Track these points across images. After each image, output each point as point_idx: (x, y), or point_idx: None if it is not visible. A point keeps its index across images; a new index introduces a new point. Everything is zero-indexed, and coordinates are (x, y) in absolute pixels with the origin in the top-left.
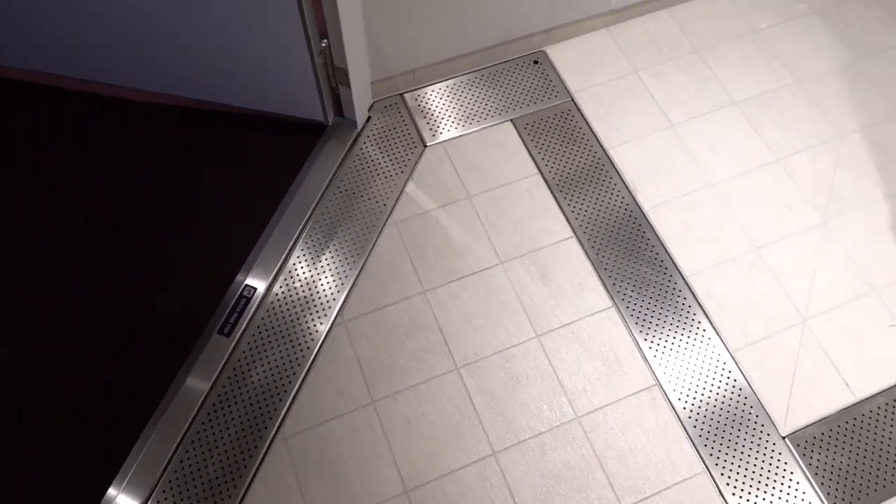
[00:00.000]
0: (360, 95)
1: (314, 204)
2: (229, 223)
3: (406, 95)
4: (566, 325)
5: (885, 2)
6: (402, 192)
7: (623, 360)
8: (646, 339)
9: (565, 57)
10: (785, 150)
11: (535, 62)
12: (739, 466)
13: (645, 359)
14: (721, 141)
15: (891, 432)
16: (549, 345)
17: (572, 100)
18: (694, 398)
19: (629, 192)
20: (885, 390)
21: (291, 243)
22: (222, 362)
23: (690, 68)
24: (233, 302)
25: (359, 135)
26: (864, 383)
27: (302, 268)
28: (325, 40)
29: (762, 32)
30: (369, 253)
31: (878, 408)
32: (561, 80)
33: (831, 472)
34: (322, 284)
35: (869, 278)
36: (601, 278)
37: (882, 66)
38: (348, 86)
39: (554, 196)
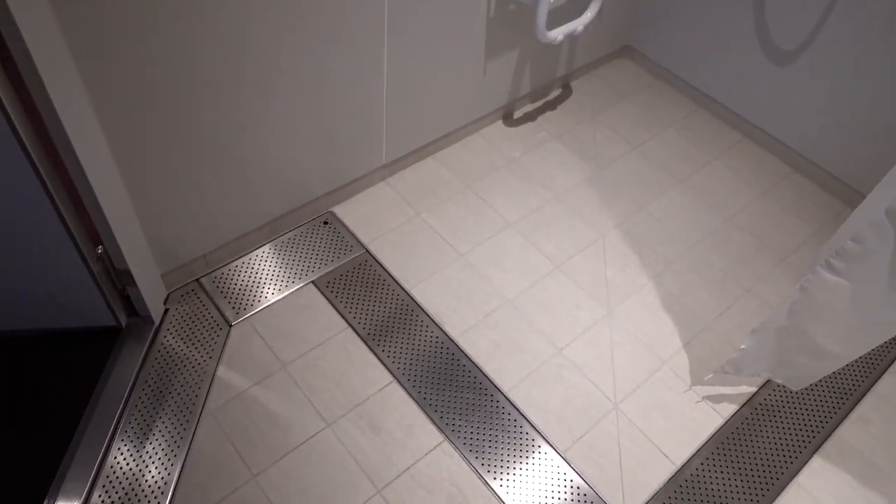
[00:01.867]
0: (151, 291)
1: (118, 413)
2: (30, 450)
3: (203, 279)
4: (405, 470)
5: (608, 121)
6: (213, 378)
7: (467, 491)
8: (483, 465)
9: (353, 213)
10: (561, 257)
11: (325, 223)
12: None
13: (487, 484)
14: (506, 260)
15: (712, 489)
16: (392, 496)
17: (367, 251)
18: None
19: (437, 325)
20: (696, 451)
21: (99, 459)
22: None
23: (466, 202)
24: None
25: (157, 330)
26: (680, 450)
27: (114, 486)
28: (100, 247)
29: (517, 160)
30: (188, 451)
31: (696, 469)
32: (353, 235)
33: None
34: (138, 499)
35: (657, 352)
36: (428, 415)
37: (617, 171)
38: (135, 285)
39: (368, 346)
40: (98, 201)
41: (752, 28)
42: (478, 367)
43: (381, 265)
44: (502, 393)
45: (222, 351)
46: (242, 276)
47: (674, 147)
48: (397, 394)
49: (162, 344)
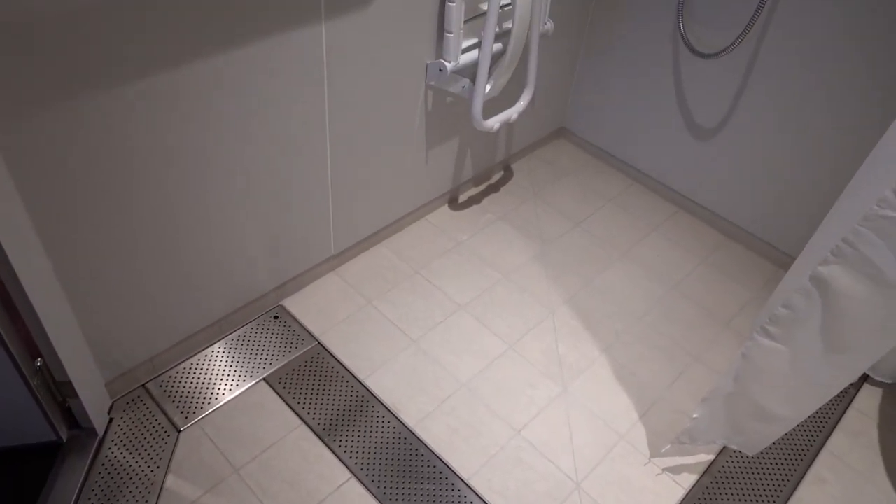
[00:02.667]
0: (94, 401)
1: None
2: None
3: (149, 384)
4: None
5: (549, 200)
6: (161, 489)
7: None
8: None
9: (303, 305)
10: (513, 336)
11: (276, 317)
12: None
13: None
14: (459, 343)
15: None
16: None
17: (319, 343)
18: None
19: (393, 415)
20: None
21: None
22: None
23: (416, 288)
24: None
25: (101, 442)
26: None
27: None
28: (38, 360)
29: (464, 243)
30: None
31: None
32: (304, 328)
33: None
34: None
35: (614, 427)
36: None
37: (562, 248)
38: (77, 397)
39: (323, 442)
40: (35, 311)
41: (675, 108)
42: (437, 456)
43: (333, 357)
44: (463, 481)
45: (171, 459)
46: (190, 378)
47: (614, 221)
48: (356, 490)
49: (106, 456)
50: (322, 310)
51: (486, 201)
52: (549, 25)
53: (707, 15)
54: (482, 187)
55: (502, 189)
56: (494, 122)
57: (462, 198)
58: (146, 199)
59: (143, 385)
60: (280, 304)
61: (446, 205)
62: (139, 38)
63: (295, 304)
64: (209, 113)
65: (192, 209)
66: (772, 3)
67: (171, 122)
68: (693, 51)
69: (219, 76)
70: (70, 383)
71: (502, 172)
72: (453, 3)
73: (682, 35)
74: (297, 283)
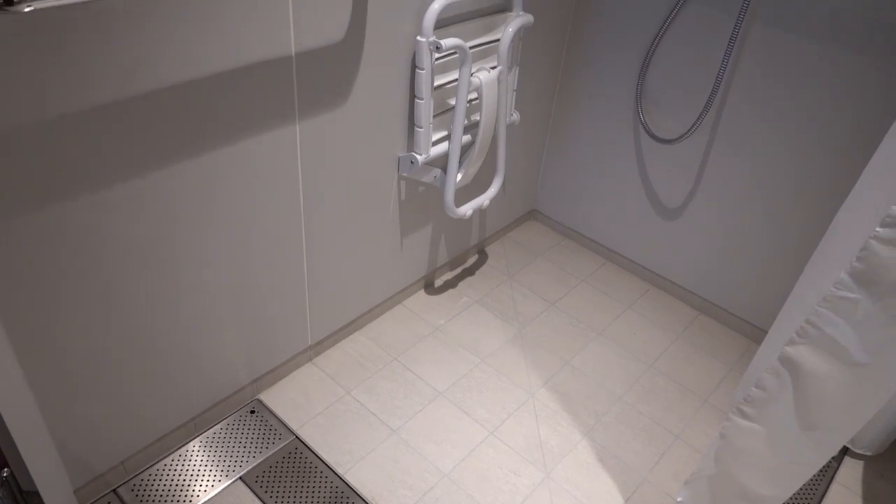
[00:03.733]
0: None
1: None
2: None
3: (120, 489)
4: None
5: (524, 281)
6: None
7: None
8: None
9: (280, 398)
10: (493, 422)
11: (252, 412)
12: None
13: None
14: (439, 432)
15: None
16: None
17: (297, 437)
18: None
19: None
20: None
21: None
22: None
23: (394, 375)
24: None
25: None
26: None
27: None
28: (5, 469)
29: (442, 327)
30: None
31: None
32: (281, 422)
33: None
34: None
35: None
36: None
37: (539, 329)
38: None
39: None
40: (4, 421)
41: (641, 190)
42: None
43: (312, 451)
44: None
45: None
46: (164, 480)
47: (588, 300)
48: None
49: None
50: (299, 402)
51: (461, 285)
52: (516, 116)
53: (664, 103)
54: (457, 271)
55: (477, 272)
56: (467, 210)
57: (438, 282)
58: (119, 299)
59: (114, 490)
60: (257, 397)
61: (422, 290)
62: (115, 143)
63: (272, 397)
64: (185, 210)
65: (166, 304)
66: (724, 90)
67: (147, 220)
68: (653, 137)
69: (195, 177)
70: (37, 493)
71: (477, 256)
72: (422, 100)
73: (642, 123)
74: (274, 375)
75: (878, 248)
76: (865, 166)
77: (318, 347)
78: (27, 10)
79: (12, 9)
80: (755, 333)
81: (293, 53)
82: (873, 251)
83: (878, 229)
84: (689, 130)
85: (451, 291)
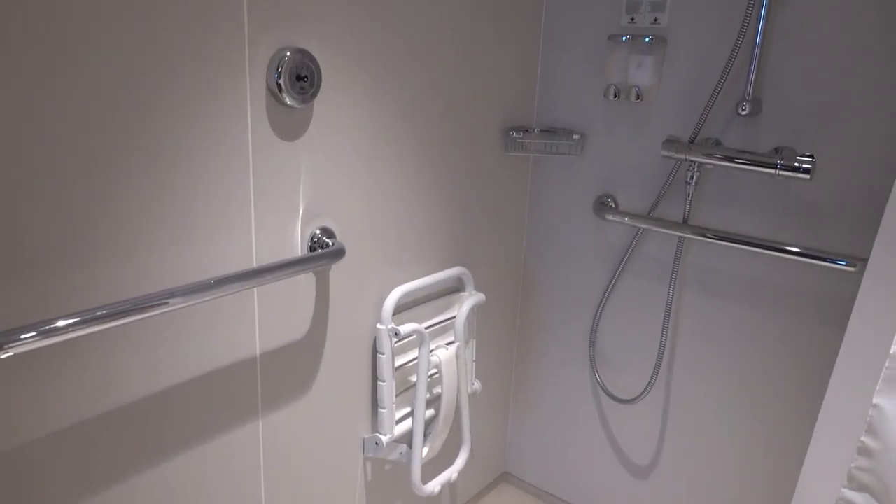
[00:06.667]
0: None
1: None
2: None
3: None
4: None
5: None
6: None
7: None
8: None
9: None
10: None
11: None
12: None
13: None
14: None
15: None
16: None
17: None
18: None
19: None
20: None
21: None
22: None
23: None
24: None
25: None
26: None
27: None
28: None
29: None
30: None
31: None
32: None
33: None
34: None
35: None
36: None
37: None
38: None
39: None
40: None
41: (609, 449)
42: None
43: None
44: None
45: None
46: None
47: None
48: None
49: None
50: None
51: None
52: (477, 385)
53: (617, 364)
54: None
55: None
56: (435, 486)
57: None
58: None
59: None
60: None
61: None
62: (65, 468)
63: None
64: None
65: None
66: (670, 350)
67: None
68: (612, 397)
69: (157, 490)
70: None
71: None
72: (384, 382)
73: (599, 384)
74: None
75: None
76: (830, 377)
77: None
78: (3, 356)
79: None
80: None
81: (258, 354)
82: None
83: None
84: (644, 390)
85: None
